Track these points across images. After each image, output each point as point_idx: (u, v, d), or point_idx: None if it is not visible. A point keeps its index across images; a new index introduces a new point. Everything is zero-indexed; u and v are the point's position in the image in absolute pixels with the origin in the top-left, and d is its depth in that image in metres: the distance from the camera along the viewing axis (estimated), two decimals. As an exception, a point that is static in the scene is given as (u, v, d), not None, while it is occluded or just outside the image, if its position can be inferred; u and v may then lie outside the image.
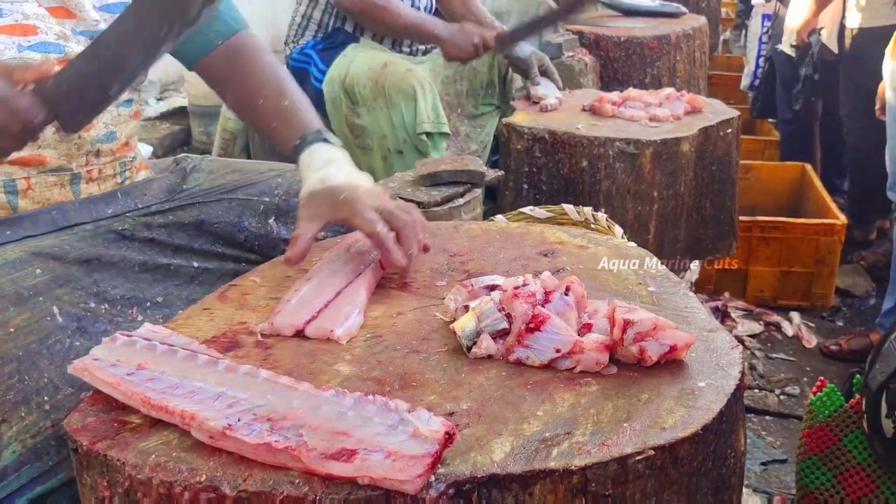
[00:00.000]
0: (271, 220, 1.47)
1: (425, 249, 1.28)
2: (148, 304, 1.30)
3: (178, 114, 5.00)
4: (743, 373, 0.97)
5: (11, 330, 1.09)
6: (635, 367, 0.98)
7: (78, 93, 1.08)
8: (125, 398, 0.92)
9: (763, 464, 2.44)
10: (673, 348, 0.97)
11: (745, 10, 5.14)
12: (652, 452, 0.83)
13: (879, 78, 3.07)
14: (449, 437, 0.81)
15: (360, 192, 1.25)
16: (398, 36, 2.61)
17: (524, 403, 0.92)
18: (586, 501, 0.82)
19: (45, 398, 1.09)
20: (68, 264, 1.23)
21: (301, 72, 2.73)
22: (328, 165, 1.29)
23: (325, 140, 1.35)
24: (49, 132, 1.26)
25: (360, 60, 2.62)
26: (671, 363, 0.98)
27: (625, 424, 0.87)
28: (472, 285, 1.13)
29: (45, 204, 1.31)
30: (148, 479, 0.82)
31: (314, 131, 1.36)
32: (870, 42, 3.63)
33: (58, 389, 1.10)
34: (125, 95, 1.37)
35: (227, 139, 3.03)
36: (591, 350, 0.97)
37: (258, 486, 0.80)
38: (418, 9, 2.78)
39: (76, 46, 1.27)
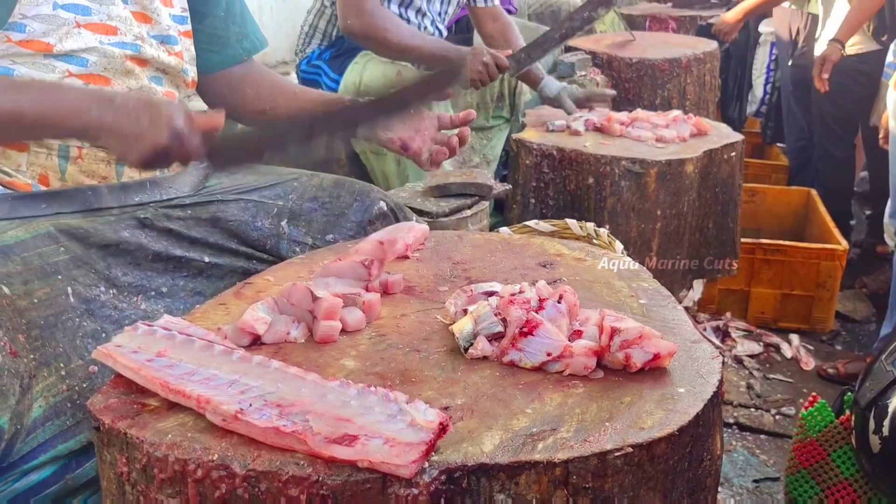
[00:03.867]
0: (283, 222, 1.55)
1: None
2: (153, 293, 1.38)
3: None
4: (721, 381, 1.04)
5: (35, 300, 1.19)
6: (621, 372, 1.05)
7: (235, 151, 1.37)
8: (145, 382, 0.99)
9: (755, 481, 2.49)
10: (656, 356, 1.04)
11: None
12: (630, 449, 0.90)
13: (843, 105, 3.09)
14: (443, 428, 0.87)
15: None
16: (401, 58, 2.67)
17: (514, 401, 0.98)
18: (568, 492, 0.88)
19: (61, 364, 1.18)
20: (88, 247, 1.31)
21: (312, 83, 2.81)
22: None
23: None
24: None
25: (372, 68, 2.70)
26: (654, 370, 1.05)
27: (607, 424, 0.93)
28: (471, 291, 1.20)
29: (90, 175, 1.41)
30: (164, 456, 0.89)
31: None
32: (834, 71, 3.68)
33: (70, 359, 1.20)
34: None
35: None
36: (580, 355, 1.04)
37: (266, 465, 0.86)
38: (433, 21, 2.85)
39: (149, 48, 1.43)
